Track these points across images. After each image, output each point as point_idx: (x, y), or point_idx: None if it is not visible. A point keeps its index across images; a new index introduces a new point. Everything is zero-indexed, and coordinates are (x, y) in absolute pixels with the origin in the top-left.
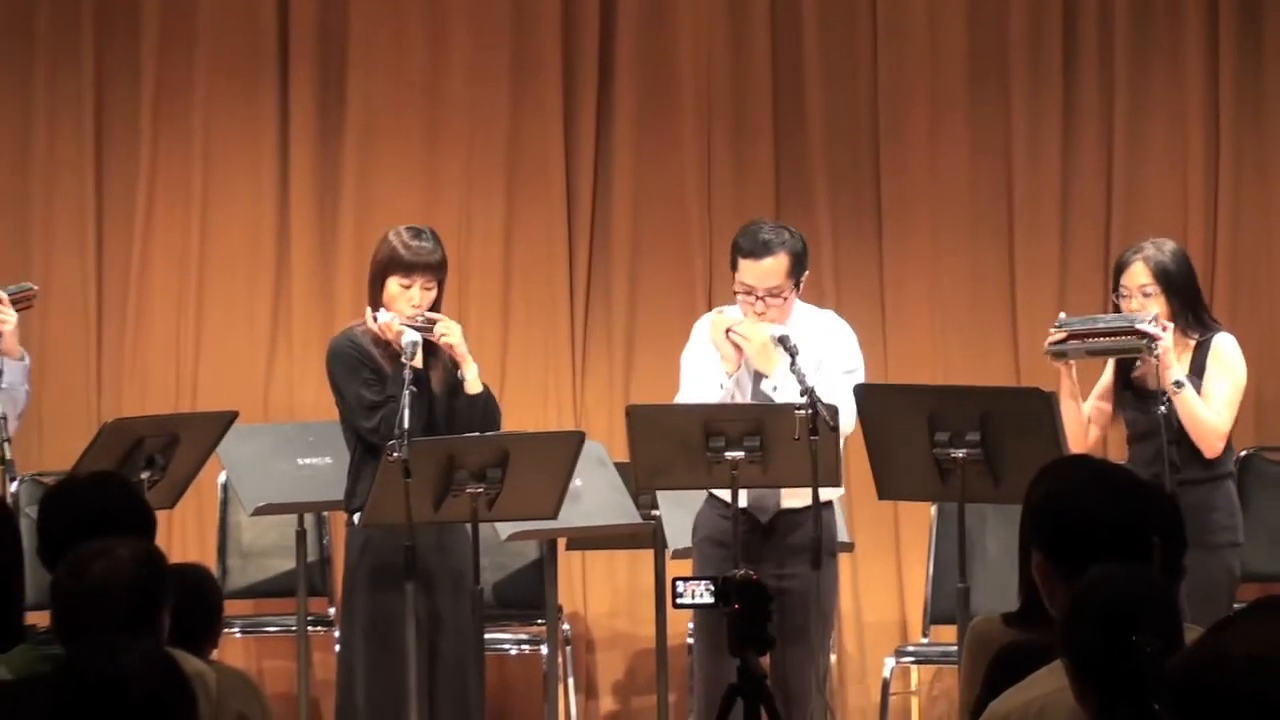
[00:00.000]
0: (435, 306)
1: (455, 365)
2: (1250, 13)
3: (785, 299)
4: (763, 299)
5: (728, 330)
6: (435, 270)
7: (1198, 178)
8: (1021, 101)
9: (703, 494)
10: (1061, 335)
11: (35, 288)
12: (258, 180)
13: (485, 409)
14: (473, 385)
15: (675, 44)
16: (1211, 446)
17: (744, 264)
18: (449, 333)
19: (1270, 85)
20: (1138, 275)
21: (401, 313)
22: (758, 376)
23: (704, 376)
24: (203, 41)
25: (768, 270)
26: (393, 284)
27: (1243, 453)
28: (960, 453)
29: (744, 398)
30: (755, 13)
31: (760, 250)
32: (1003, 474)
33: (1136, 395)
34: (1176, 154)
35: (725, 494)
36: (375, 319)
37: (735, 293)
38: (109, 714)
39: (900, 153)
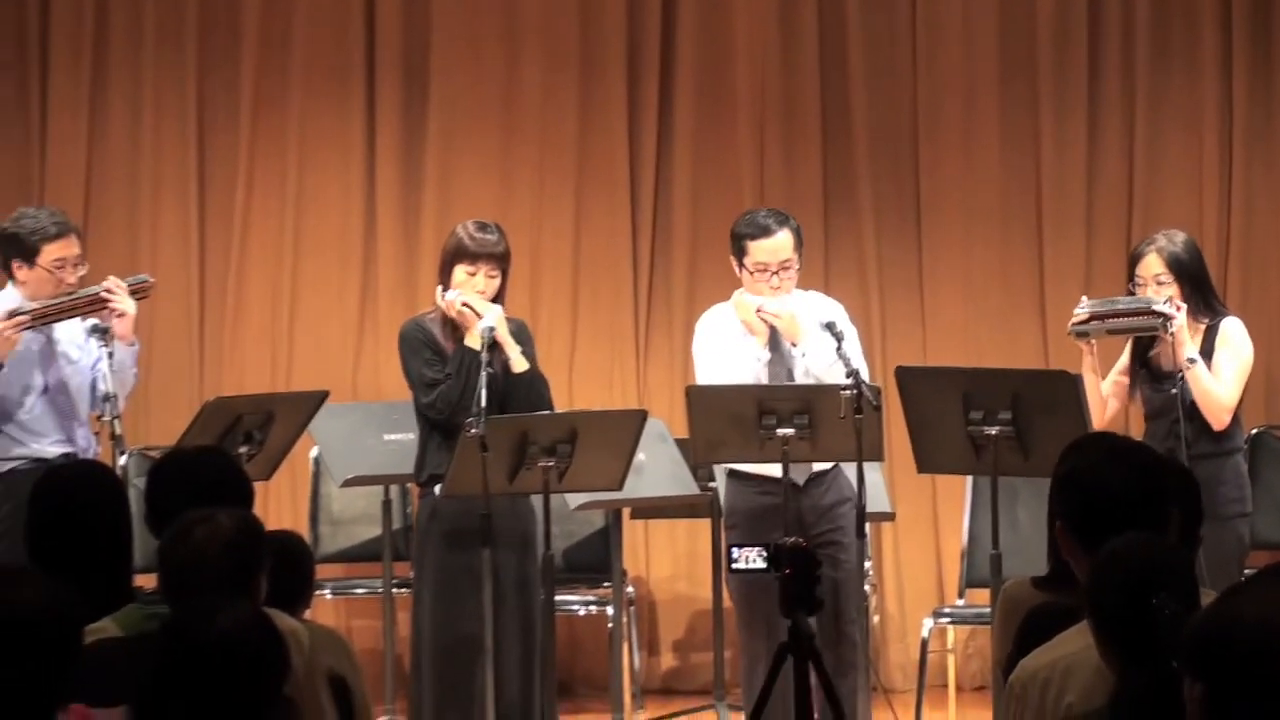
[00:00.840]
0: (500, 294)
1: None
2: (1261, 23)
3: (794, 270)
4: (777, 273)
5: (758, 310)
6: (498, 260)
7: (1212, 175)
8: (1049, 105)
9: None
10: (1084, 316)
11: (152, 280)
12: (347, 178)
13: (530, 386)
14: (517, 365)
15: (731, 51)
16: (1219, 420)
17: (754, 245)
18: (492, 319)
19: None
20: (1152, 265)
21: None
22: (774, 345)
23: (736, 356)
24: (296, 52)
25: (779, 245)
26: (459, 271)
27: (1254, 431)
28: (993, 430)
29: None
30: (804, 22)
31: (768, 230)
32: (1032, 449)
33: (1152, 375)
34: (1192, 153)
35: (755, 471)
36: (443, 296)
37: (750, 273)
38: (210, 668)
39: (937, 151)
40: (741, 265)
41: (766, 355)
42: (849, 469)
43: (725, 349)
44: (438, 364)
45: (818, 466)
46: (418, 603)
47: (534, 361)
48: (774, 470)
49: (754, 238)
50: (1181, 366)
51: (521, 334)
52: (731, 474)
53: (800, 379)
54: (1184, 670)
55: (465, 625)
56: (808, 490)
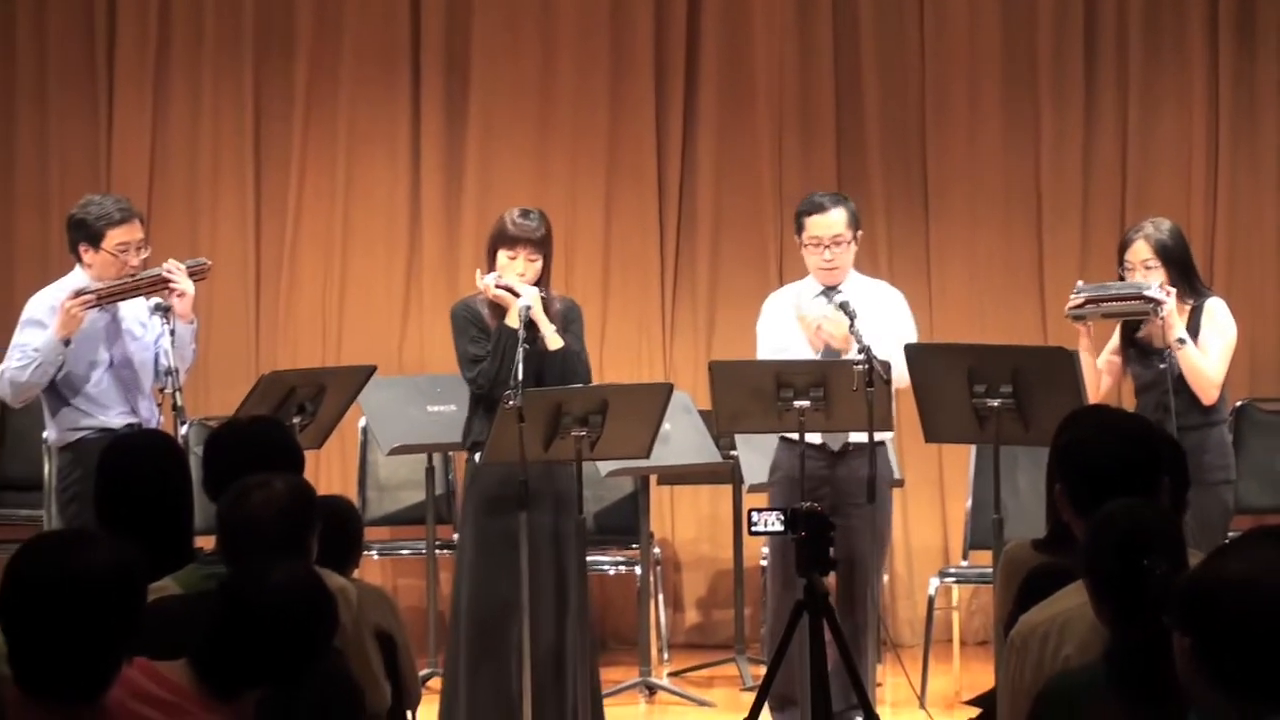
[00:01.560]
0: (542, 277)
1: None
2: (1246, 22)
3: (847, 246)
4: (829, 247)
5: (816, 330)
6: (538, 245)
7: (1200, 164)
8: (1048, 98)
9: (774, 438)
10: (1079, 300)
11: (209, 263)
12: (393, 167)
13: (564, 361)
14: (552, 342)
15: (751, 50)
16: (1209, 395)
17: (810, 220)
18: (528, 299)
19: (1261, 86)
20: (1140, 251)
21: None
22: (828, 349)
23: (786, 347)
24: (346, 48)
25: (832, 221)
26: (501, 255)
27: (1238, 403)
28: (995, 402)
29: None
30: (820, 22)
31: (823, 207)
32: (1032, 421)
33: (1141, 353)
34: (1182, 144)
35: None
36: (481, 278)
37: (806, 245)
38: (264, 624)
39: (943, 142)
40: (800, 239)
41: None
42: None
43: (781, 337)
44: (482, 341)
45: (854, 437)
46: (459, 562)
47: (580, 338)
48: (815, 439)
49: (810, 214)
50: (1172, 346)
51: (571, 313)
52: (782, 439)
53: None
54: (1173, 625)
55: (503, 584)
56: (845, 459)
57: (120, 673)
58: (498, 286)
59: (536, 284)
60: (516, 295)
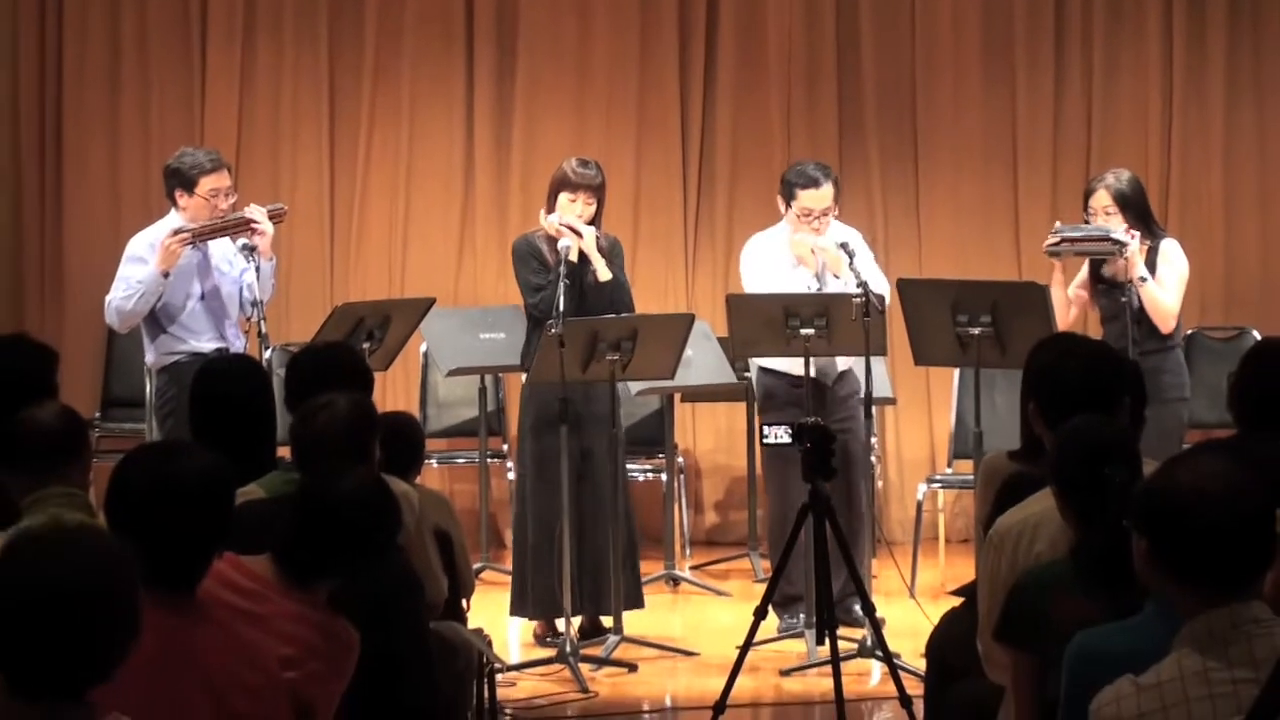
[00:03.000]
0: (596, 217)
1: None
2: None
3: (831, 217)
4: (819, 217)
5: (812, 250)
6: (595, 190)
7: (1155, 120)
8: (1023, 63)
9: (778, 363)
10: (1056, 239)
11: (285, 207)
12: (450, 123)
13: (611, 291)
14: (602, 275)
15: (763, 19)
16: (1166, 324)
17: (803, 193)
18: (582, 236)
19: (1210, 53)
20: (1101, 199)
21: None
22: (820, 275)
23: (786, 283)
24: (409, 15)
25: (823, 195)
26: (562, 198)
27: (1189, 331)
28: (976, 330)
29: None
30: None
31: (816, 182)
32: (1008, 346)
33: (1107, 287)
34: (1140, 102)
35: (786, 367)
36: (545, 218)
37: (796, 215)
38: (335, 522)
39: (931, 100)
40: (789, 206)
41: (817, 285)
42: (859, 370)
43: (775, 275)
44: (542, 272)
45: (841, 366)
46: (520, 475)
47: (621, 270)
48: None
49: (804, 187)
50: (1134, 282)
51: (614, 249)
52: (769, 372)
53: (827, 285)
54: (1132, 526)
55: (553, 492)
56: (832, 385)
57: (212, 566)
58: (561, 224)
59: (590, 224)
60: (578, 233)
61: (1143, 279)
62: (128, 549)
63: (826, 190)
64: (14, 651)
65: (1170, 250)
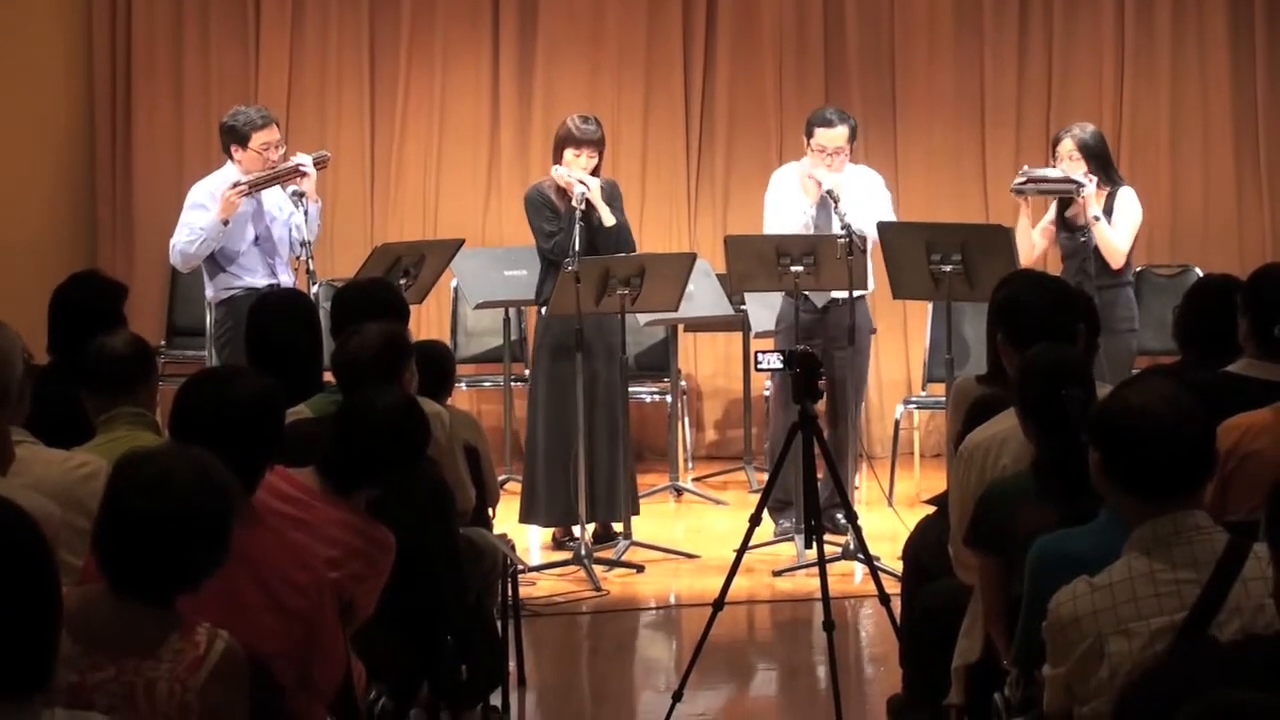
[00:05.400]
0: (597, 168)
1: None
2: None
3: (844, 155)
4: (832, 155)
5: (809, 175)
6: (596, 145)
7: (1109, 81)
8: (990, 25)
9: (777, 296)
10: (1023, 179)
11: (329, 155)
12: (478, 80)
13: (618, 235)
14: (607, 220)
15: None
16: (1117, 261)
17: (820, 132)
18: (590, 188)
19: (1158, 15)
20: (1066, 146)
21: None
22: (821, 204)
23: (787, 210)
24: None
25: (836, 135)
26: (567, 153)
27: (1139, 269)
28: (948, 268)
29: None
30: None
31: (831, 123)
32: (976, 282)
33: (1068, 228)
34: (1095, 63)
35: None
36: (555, 171)
37: (813, 151)
38: (371, 436)
39: (908, 65)
40: (809, 143)
41: (813, 212)
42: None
43: (784, 204)
44: (554, 219)
45: (837, 294)
46: (532, 395)
47: (622, 212)
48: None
49: (819, 125)
50: (1089, 222)
51: (613, 191)
52: (785, 297)
53: (836, 229)
54: (1087, 442)
55: (567, 412)
56: (831, 312)
57: (264, 477)
58: (571, 177)
59: (593, 174)
60: (585, 185)
61: (1096, 218)
62: (233, 479)
63: (839, 131)
64: (125, 559)
65: (1126, 196)
